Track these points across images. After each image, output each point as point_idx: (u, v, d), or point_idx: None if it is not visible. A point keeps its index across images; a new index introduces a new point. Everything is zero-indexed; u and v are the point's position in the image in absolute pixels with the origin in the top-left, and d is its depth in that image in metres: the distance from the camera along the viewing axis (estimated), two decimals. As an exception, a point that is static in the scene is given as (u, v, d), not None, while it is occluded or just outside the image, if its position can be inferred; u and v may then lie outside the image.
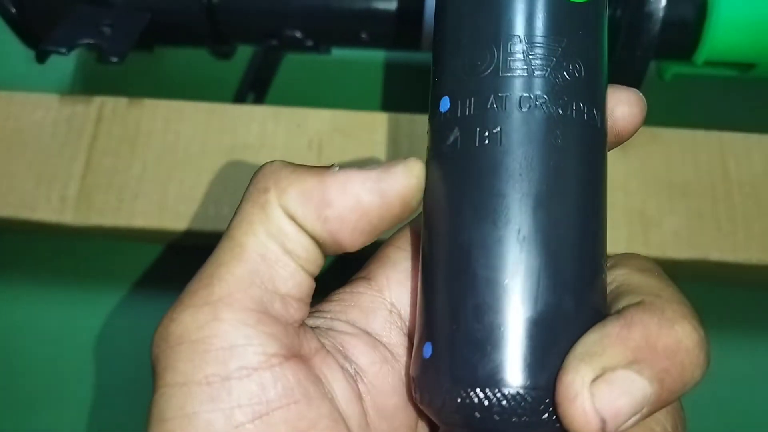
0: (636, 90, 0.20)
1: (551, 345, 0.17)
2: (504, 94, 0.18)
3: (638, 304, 0.18)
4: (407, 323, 0.21)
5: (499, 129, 0.18)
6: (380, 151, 0.39)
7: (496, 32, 0.18)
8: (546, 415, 0.17)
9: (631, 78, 0.36)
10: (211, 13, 0.40)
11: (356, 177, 0.18)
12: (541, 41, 0.18)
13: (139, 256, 0.44)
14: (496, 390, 0.17)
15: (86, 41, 0.37)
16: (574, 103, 0.18)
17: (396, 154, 0.39)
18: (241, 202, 0.19)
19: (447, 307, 0.18)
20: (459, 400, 0.17)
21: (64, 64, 0.47)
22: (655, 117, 0.43)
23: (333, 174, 0.18)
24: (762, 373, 0.40)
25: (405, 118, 0.39)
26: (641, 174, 0.38)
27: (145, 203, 0.37)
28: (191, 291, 0.18)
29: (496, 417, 0.17)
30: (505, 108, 0.18)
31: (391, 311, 0.21)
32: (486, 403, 0.17)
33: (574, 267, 0.18)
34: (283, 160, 0.19)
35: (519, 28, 0.18)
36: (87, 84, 0.48)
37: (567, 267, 0.17)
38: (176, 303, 0.18)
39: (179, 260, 0.43)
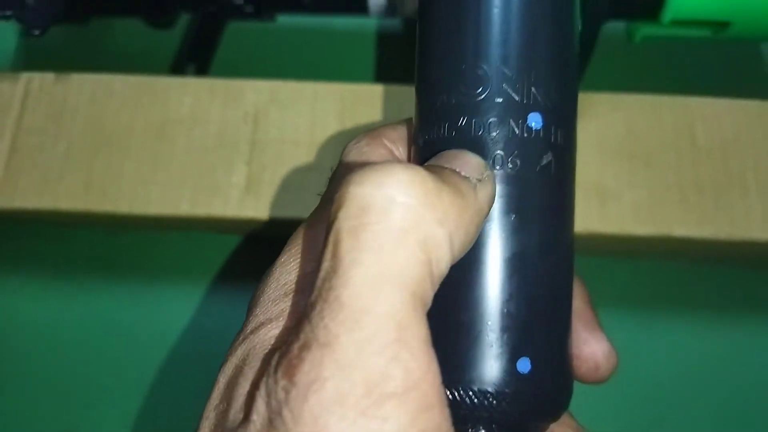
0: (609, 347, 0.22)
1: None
2: None
3: None
4: None
5: None
6: (322, 123, 0.36)
7: None
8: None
9: (582, 41, 0.33)
10: (142, -19, 0.37)
11: None
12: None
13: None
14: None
15: (5, 13, 0.35)
16: None
17: (344, 125, 0.36)
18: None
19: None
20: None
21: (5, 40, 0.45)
22: (618, 82, 0.41)
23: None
24: (731, 355, 0.37)
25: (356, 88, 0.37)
26: (599, 143, 0.35)
27: (70, 184, 0.35)
28: None
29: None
30: None
31: None
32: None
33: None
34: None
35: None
36: (31, 62, 0.46)
37: None
38: None
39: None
